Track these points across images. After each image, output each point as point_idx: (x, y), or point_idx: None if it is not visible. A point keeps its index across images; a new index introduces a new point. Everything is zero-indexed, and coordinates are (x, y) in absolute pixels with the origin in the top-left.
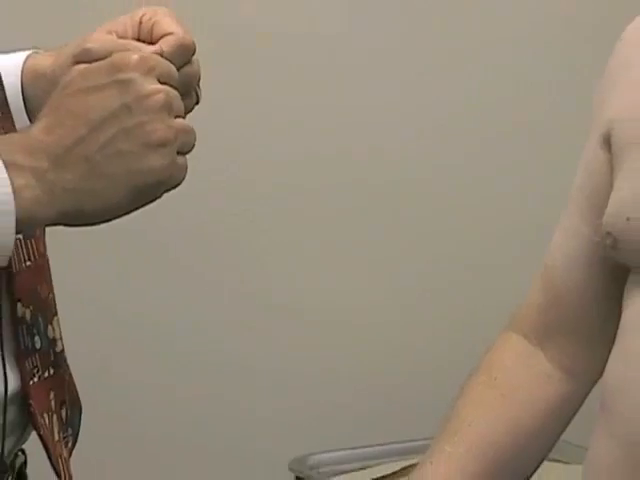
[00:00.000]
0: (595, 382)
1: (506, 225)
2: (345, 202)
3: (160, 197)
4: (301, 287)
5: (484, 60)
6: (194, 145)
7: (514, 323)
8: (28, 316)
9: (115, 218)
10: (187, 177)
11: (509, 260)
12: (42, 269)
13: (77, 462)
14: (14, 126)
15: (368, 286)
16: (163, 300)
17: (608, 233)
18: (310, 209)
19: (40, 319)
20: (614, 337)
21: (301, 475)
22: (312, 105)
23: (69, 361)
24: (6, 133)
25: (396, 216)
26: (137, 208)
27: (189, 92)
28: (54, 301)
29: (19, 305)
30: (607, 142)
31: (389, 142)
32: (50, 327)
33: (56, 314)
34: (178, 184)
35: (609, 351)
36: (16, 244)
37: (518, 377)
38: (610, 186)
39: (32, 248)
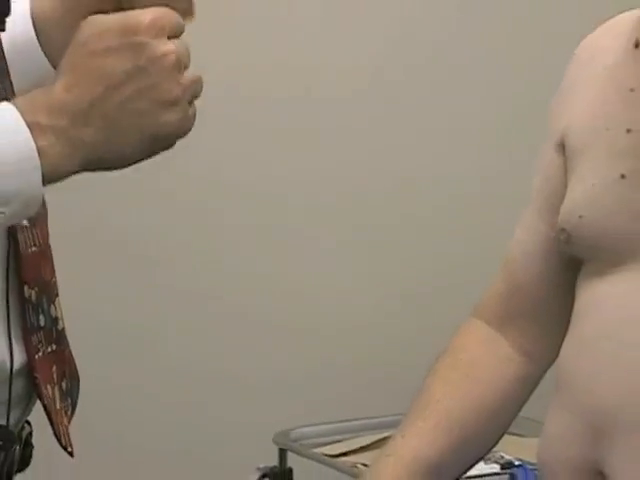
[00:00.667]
0: (551, 364)
1: (488, 224)
2: (329, 201)
3: (174, 145)
4: (285, 276)
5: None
6: (202, 88)
7: (478, 310)
8: (34, 297)
9: (134, 164)
10: (185, 180)
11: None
12: (46, 255)
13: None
14: (11, 83)
15: (346, 274)
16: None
17: (562, 229)
18: (297, 209)
19: (44, 299)
20: (569, 323)
21: (284, 447)
22: (306, 106)
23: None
24: (4, 90)
25: (382, 215)
26: (153, 155)
27: None
28: (56, 284)
29: (26, 287)
30: (562, 148)
31: (368, 142)
32: (53, 307)
33: (57, 295)
34: (189, 131)
35: (564, 336)
36: (23, 230)
37: (481, 359)
38: (565, 187)
39: (37, 235)
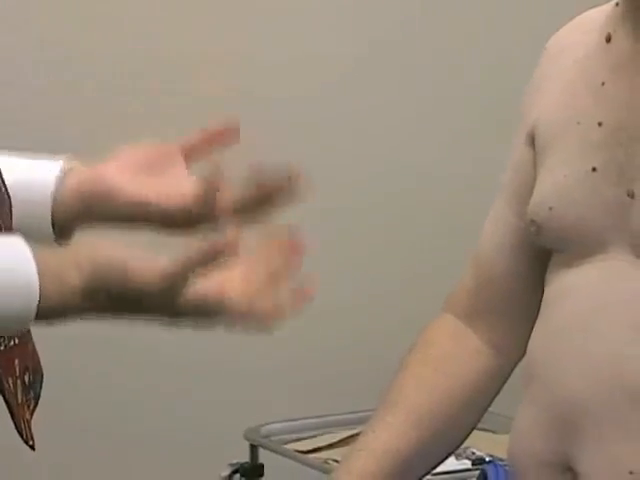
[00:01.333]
0: (521, 357)
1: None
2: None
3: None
4: None
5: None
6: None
7: (448, 305)
8: None
9: None
10: None
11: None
12: None
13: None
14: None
15: (321, 270)
16: None
17: (532, 221)
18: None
19: None
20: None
21: (255, 443)
22: (298, 105)
23: None
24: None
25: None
26: None
27: None
28: None
29: None
30: (531, 140)
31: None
32: None
33: None
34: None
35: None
36: None
37: (450, 353)
38: (534, 180)
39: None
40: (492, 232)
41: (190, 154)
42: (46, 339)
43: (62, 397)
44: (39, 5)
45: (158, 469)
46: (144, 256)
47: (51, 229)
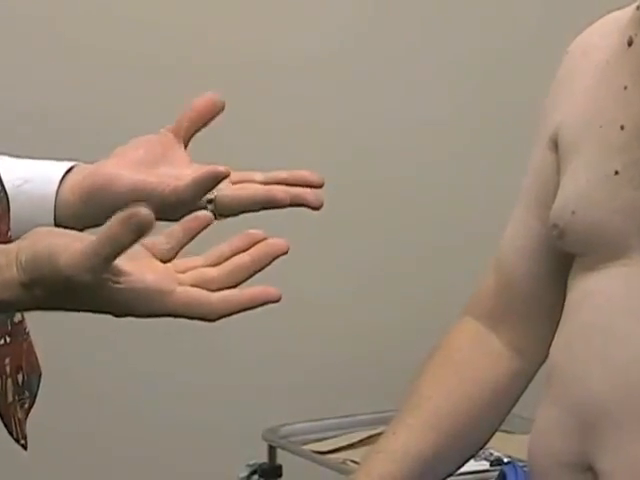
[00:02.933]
0: (543, 360)
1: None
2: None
3: None
4: (275, 277)
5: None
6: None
7: (469, 307)
8: None
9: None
10: None
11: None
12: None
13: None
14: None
15: (338, 273)
16: None
17: (555, 225)
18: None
19: None
20: (560, 320)
21: (274, 444)
22: (289, 105)
23: None
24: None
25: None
26: None
27: None
28: None
29: None
30: (554, 144)
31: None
32: None
33: None
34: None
35: (555, 332)
36: None
37: (471, 356)
38: (557, 184)
39: None
40: (513, 235)
41: (184, 135)
42: (63, 337)
43: (73, 396)
44: (39, 5)
45: (176, 469)
46: (73, 239)
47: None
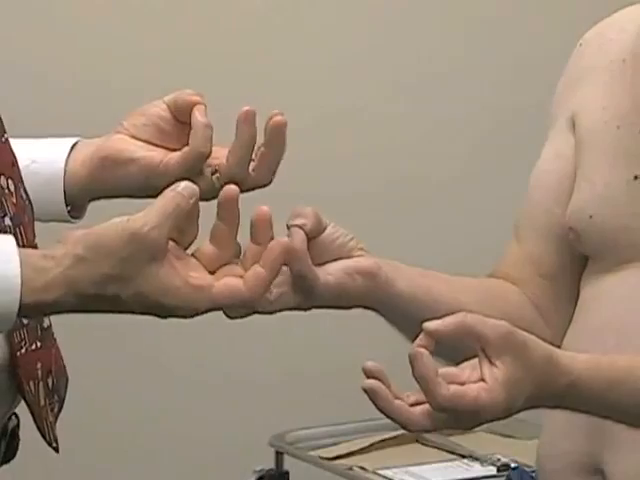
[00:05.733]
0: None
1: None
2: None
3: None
4: None
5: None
6: None
7: (495, 272)
8: None
9: None
10: None
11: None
12: None
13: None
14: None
15: None
16: None
17: (571, 228)
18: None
19: None
20: (571, 313)
21: (281, 450)
22: (289, 105)
23: None
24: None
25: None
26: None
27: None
28: None
29: None
30: (572, 126)
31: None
32: None
33: None
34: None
35: (565, 325)
36: (6, 231)
37: (499, 284)
38: (575, 168)
39: (21, 235)
40: (530, 217)
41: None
42: (70, 345)
43: (87, 401)
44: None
45: (183, 475)
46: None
47: (64, 203)
